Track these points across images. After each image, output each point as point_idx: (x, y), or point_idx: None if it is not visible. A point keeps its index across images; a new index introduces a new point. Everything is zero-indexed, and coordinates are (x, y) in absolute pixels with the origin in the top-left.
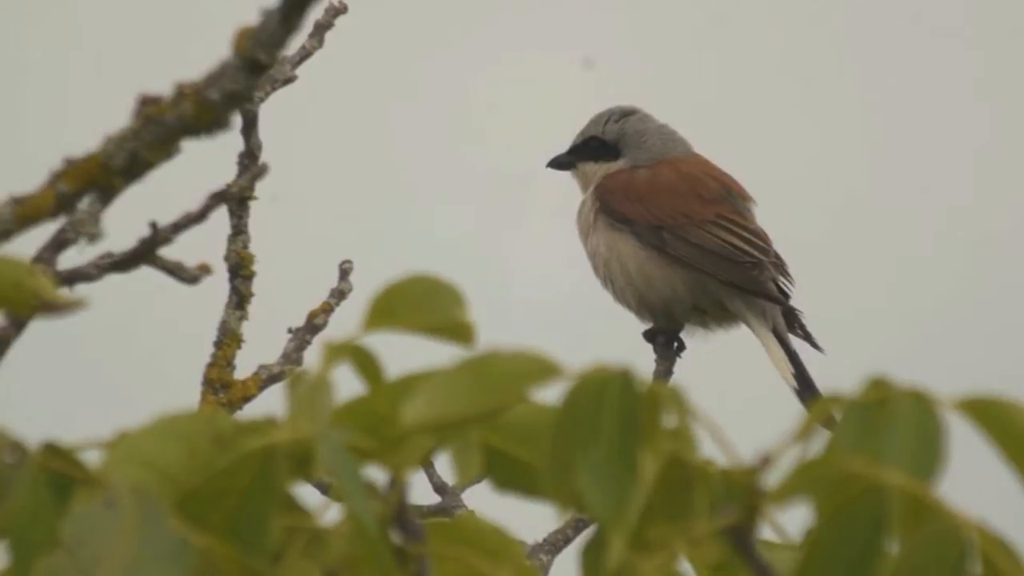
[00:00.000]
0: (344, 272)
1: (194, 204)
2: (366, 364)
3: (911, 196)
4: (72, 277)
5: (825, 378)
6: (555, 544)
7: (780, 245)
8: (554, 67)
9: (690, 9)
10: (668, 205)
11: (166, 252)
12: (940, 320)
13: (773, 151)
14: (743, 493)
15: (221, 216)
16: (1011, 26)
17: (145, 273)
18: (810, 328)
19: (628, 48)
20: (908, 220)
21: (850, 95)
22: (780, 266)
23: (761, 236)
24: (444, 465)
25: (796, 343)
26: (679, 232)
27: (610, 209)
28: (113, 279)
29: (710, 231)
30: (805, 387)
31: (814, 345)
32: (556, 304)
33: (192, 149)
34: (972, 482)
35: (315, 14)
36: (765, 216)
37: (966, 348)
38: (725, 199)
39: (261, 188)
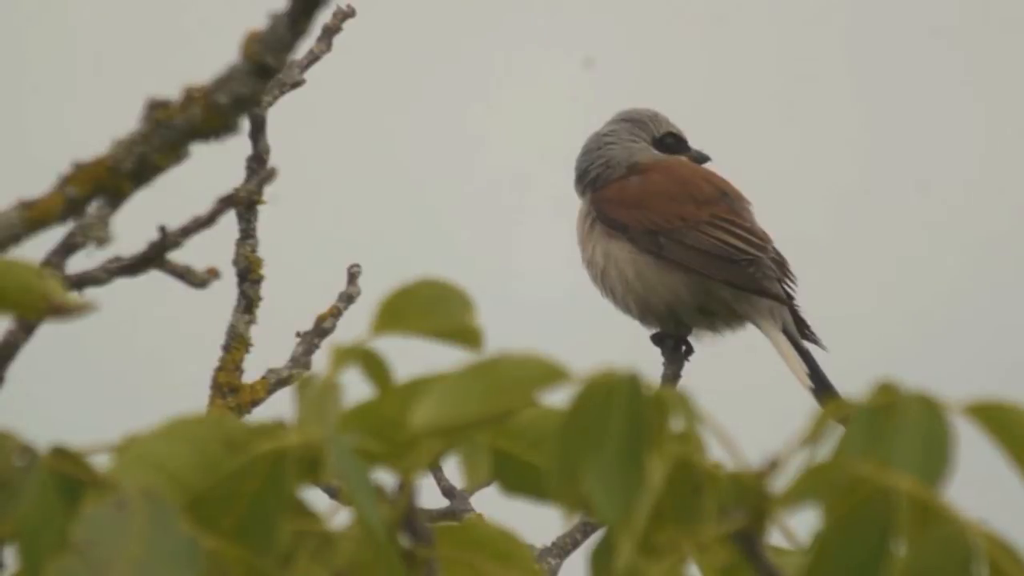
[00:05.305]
0: (352, 276)
1: (203, 208)
2: (375, 368)
3: (911, 195)
4: (81, 281)
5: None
6: (563, 548)
7: (780, 244)
8: (554, 67)
9: (690, 9)
10: (663, 209)
11: (175, 256)
12: (940, 320)
13: (773, 150)
14: (751, 497)
15: (230, 220)
16: (1010, 26)
17: (154, 277)
18: (812, 326)
19: (628, 48)
20: (907, 219)
21: (849, 94)
22: (781, 264)
23: (758, 234)
24: (453, 469)
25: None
26: (676, 236)
27: (606, 217)
28: (122, 283)
29: (706, 232)
30: (821, 387)
31: (818, 344)
32: (561, 306)
33: (201, 153)
34: (978, 486)
35: (323, 18)
36: (764, 215)
37: (966, 348)
38: (720, 199)
39: (269, 192)
